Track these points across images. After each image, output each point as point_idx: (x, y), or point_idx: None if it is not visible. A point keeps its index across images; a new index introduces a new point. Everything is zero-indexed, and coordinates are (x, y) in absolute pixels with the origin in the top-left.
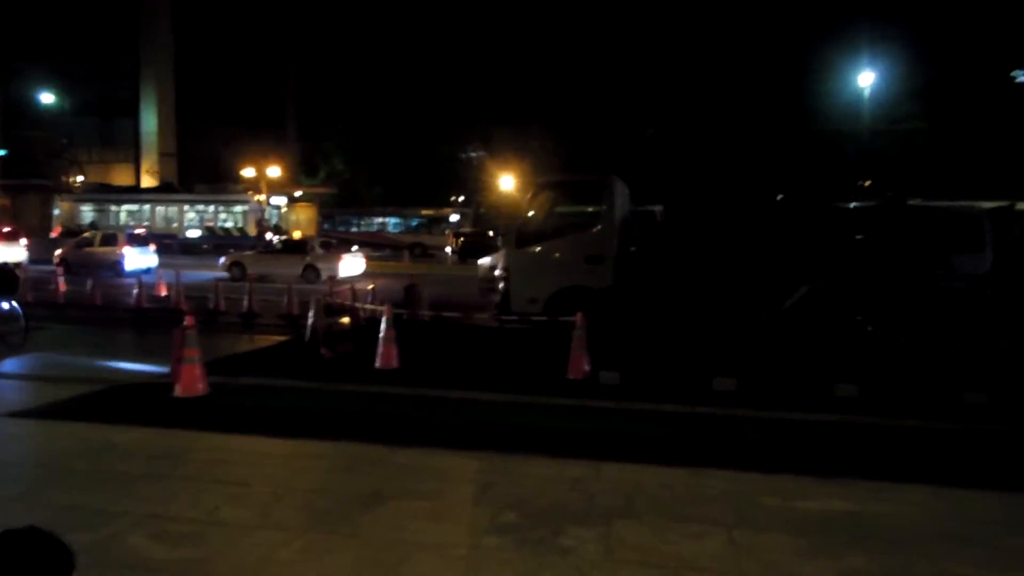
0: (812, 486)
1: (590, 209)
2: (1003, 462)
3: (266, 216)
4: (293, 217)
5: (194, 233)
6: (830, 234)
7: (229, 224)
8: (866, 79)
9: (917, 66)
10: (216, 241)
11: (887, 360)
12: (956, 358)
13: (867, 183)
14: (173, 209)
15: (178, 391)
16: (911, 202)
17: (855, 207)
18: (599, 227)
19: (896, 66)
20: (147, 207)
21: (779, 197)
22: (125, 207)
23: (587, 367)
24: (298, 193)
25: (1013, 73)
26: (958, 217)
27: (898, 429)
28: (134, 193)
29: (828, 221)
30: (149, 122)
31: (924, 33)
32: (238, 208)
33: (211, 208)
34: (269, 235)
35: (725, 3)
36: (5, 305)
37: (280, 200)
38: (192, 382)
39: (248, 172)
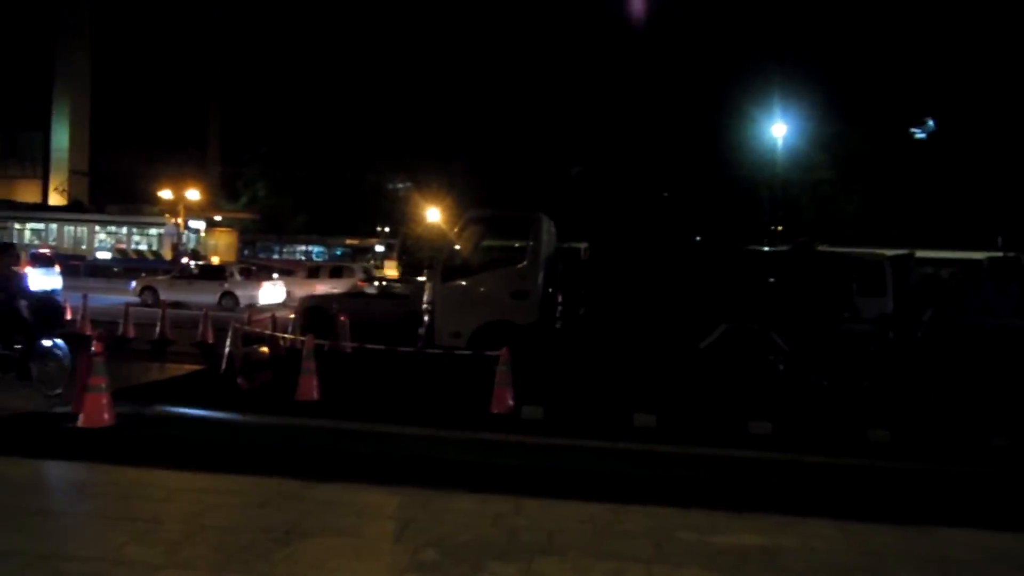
0: (726, 521)
1: (516, 245)
2: (903, 497)
3: (184, 240)
4: (212, 242)
5: (105, 255)
6: (745, 276)
7: (143, 247)
8: (779, 130)
9: (826, 119)
10: (128, 264)
11: (797, 398)
12: (861, 397)
13: (779, 228)
14: (83, 229)
15: (82, 421)
16: (819, 248)
17: (768, 251)
18: (525, 263)
19: (807, 118)
20: (54, 226)
21: (698, 239)
22: (30, 225)
23: (511, 402)
24: (218, 218)
25: (912, 129)
26: (862, 263)
27: (807, 465)
28: (40, 211)
29: (743, 263)
30: (60, 138)
31: (832, 88)
32: (153, 231)
33: (124, 230)
34: (185, 259)
35: (649, 53)
36: (47, 342)
37: (198, 224)
38: (97, 412)
39: (165, 194)
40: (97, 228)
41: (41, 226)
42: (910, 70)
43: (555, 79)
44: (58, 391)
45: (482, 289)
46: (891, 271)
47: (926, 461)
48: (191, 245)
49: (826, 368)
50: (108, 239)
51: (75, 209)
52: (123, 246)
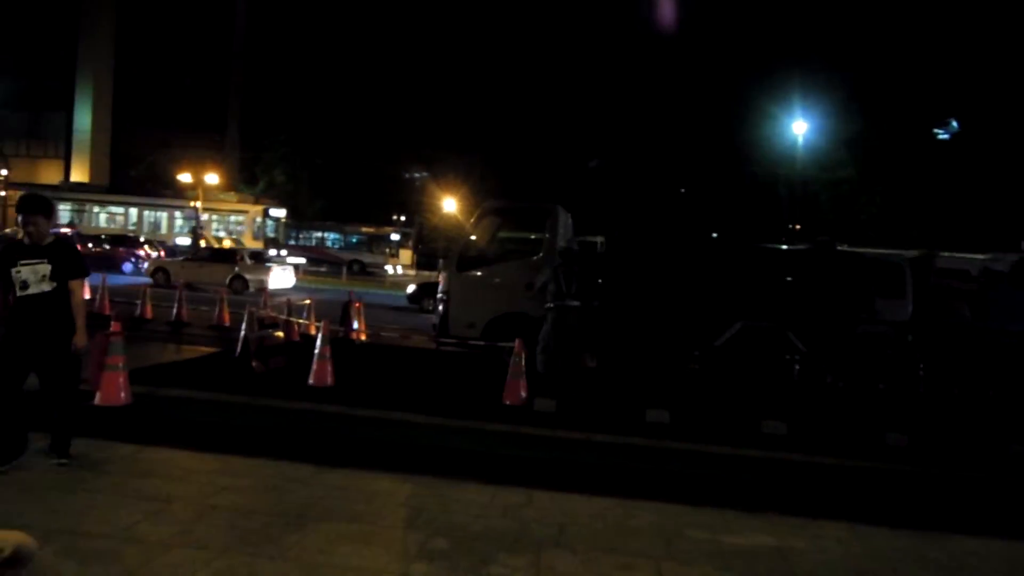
0: (738, 520)
1: (533, 236)
2: (916, 502)
3: (263, 224)
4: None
5: (184, 241)
6: (762, 274)
7: (221, 234)
8: (800, 127)
9: (847, 117)
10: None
11: (813, 399)
12: (878, 400)
13: (798, 227)
14: (162, 214)
15: (98, 400)
16: (839, 247)
17: (787, 249)
18: (540, 255)
19: (828, 116)
20: (134, 211)
21: (714, 235)
22: (110, 208)
23: (524, 393)
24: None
25: (935, 130)
26: (882, 264)
27: (821, 466)
28: (115, 195)
29: (760, 261)
30: (83, 119)
31: (855, 87)
32: (233, 218)
33: (205, 216)
34: (274, 250)
35: (670, 48)
36: None
37: (279, 212)
38: (114, 391)
39: (185, 177)
40: (177, 214)
41: (120, 210)
42: (933, 69)
43: (575, 72)
44: None
45: (497, 280)
46: (911, 273)
47: (943, 466)
48: (270, 233)
49: (842, 369)
50: (185, 225)
51: (152, 193)
52: (206, 232)
